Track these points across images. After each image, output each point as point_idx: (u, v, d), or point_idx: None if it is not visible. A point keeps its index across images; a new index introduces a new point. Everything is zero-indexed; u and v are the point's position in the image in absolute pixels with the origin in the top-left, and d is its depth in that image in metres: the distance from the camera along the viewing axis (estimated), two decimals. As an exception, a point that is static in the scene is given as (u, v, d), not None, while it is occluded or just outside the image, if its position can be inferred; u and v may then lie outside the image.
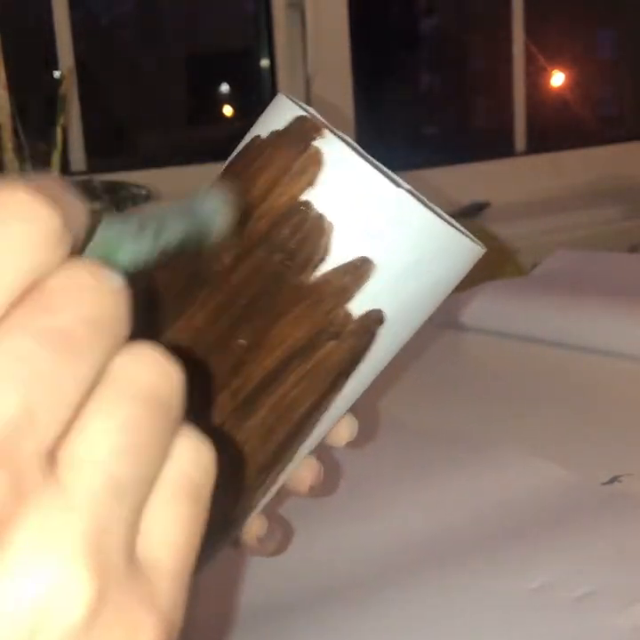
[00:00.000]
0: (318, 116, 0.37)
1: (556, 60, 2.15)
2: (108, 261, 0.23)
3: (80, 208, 0.22)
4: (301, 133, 0.35)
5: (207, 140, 1.83)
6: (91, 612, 0.19)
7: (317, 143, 0.35)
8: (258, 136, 0.37)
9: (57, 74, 1.68)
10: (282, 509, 0.56)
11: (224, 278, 0.35)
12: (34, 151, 0.75)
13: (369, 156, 0.37)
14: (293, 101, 0.37)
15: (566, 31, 2.20)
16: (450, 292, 0.40)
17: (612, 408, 0.73)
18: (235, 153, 0.38)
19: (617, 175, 2.08)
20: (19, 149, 0.73)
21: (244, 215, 0.35)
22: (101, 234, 0.24)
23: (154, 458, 0.21)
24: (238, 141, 0.40)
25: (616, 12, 2.30)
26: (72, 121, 1.56)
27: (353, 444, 0.44)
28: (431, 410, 0.74)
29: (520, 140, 2.08)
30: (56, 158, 0.76)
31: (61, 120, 0.75)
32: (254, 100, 1.83)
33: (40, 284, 0.20)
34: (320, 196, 0.35)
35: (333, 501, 0.58)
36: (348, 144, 0.36)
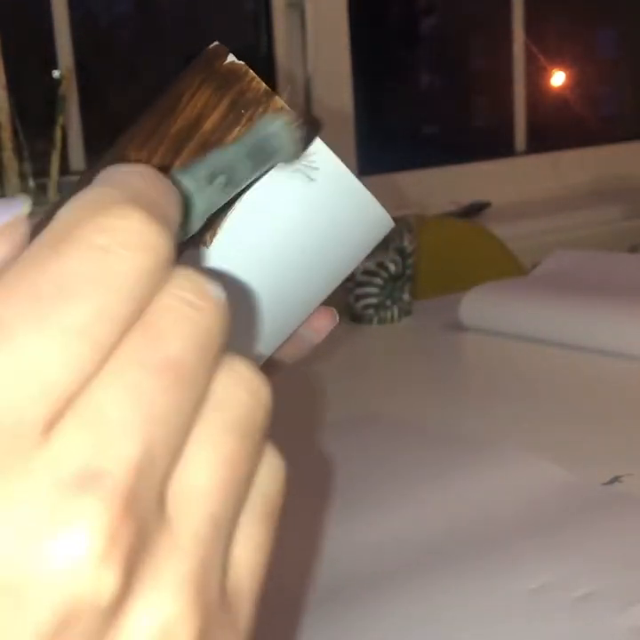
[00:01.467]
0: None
1: (556, 59, 2.15)
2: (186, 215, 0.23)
3: (174, 198, 0.22)
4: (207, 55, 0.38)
5: (207, 140, 1.83)
6: None
7: None
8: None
9: (56, 74, 1.68)
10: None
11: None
12: (33, 151, 0.75)
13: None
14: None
15: (566, 31, 2.20)
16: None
17: (612, 408, 0.73)
18: None
19: (617, 175, 2.09)
20: (18, 149, 0.73)
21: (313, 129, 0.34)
22: (181, 188, 0.24)
23: (245, 487, 0.21)
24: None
25: (616, 11, 2.30)
26: (71, 121, 1.56)
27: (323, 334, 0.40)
28: (431, 409, 0.74)
29: (520, 140, 2.08)
30: (55, 158, 0.76)
31: (61, 120, 0.75)
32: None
33: (148, 309, 0.20)
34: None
35: (333, 501, 0.58)
36: None
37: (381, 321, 0.97)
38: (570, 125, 2.19)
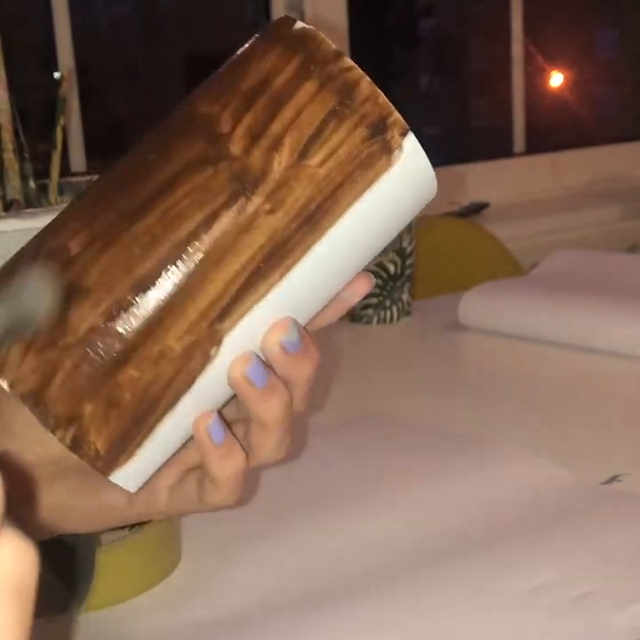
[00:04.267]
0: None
1: (555, 60, 2.15)
2: None
3: None
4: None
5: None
6: None
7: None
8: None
9: (57, 75, 1.68)
10: (282, 510, 0.57)
11: None
12: (34, 152, 0.75)
13: None
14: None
15: (565, 31, 2.20)
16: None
17: (611, 408, 0.73)
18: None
19: (615, 175, 2.09)
20: (19, 150, 0.73)
21: (66, 301, 0.35)
22: None
23: None
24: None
25: (615, 12, 2.30)
26: (72, 122, 1.56)
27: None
28: (430, 409, 0.74)
29: (519, 141, 2.09)
30: (56, 159, 0.76)
31: (61, 121, 0.75)
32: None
33: None
34: None
35: (333, 501, 0.58)
36: None
37: (381, 321, 0.97)
38: (568, 126, 2.19)
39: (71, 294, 0.35)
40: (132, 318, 0.35)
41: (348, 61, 0.37)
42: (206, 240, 0.36)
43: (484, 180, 1.91)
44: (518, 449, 0.63)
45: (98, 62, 1.76)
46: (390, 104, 0.38)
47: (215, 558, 0.52)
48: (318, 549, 0.52)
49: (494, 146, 2.09)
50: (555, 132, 2.20)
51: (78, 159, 1.63)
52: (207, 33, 1.88)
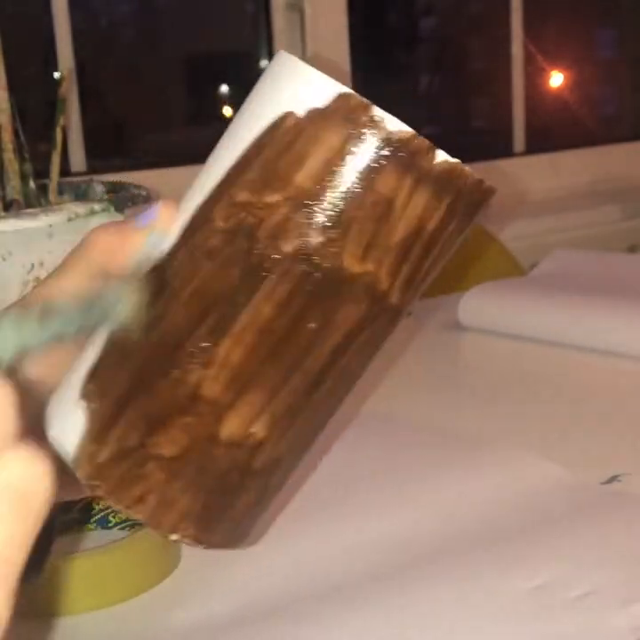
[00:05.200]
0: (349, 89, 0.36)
1: (555, 60, 2.15)
2: None
3: None
4: (348, 112, 0.34)
5: (207, 141, 1.83)
6: None
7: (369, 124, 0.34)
8: (291, 113, 0.34)
9: (57, 74, 1.68)
10: (281, 510, 0.57)
11: (289, 267, 0.34)
12: (34, 152, 0.75)
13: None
14: (318, 72, 0.36)
15: (565, 31, 2.20)
16: None
17: (611, 408, 0.73)
18: (253, 126, 0.35)
19: (616, 175, 2.09)
20: (19, 150, 0.73)
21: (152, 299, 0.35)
22: None
23: None
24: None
25: (616, 11, 2.30)
26: (72, 122, 1.56)
27: None
28: (431, 409, 0.74)
29: (519, 141, 2.08)
30: (56, 159, 0.76)
31: (61, 121, 0.75)
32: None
33: None
34: None
35: (333, 501, 0.58)
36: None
37: (381, 321, 0.97)
38: (569, 126, 2.19)
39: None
40: None
41: (487, 184, 0.37)
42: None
43: (484, 179, 1.91)
44: (518, 449, 0.63)
45: (98, 62, 1.76)
46: None
47: (215, 558, 0.52)
48: (318, 549, 0.52)
49: (494, 146, 2.09)
50: (555, 131, 2.20)
51: (78, 159, 1.63)
52: (207, 33, 1.88)
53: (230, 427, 0.35)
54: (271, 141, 0.34)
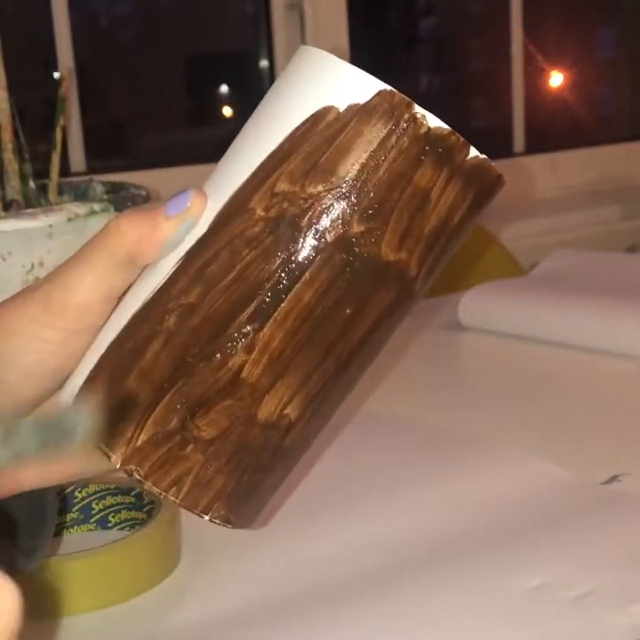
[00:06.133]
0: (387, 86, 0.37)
1: (555, 60, 2.15)
2: None
3: None
4: (390, 109, 0.36)
5: (207, 141, 1.83)
6: None
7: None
8: (332, 107, 0.35)
9: (56, 74, 1.68)
10: (281, 509, 0.57)
11: (330, 256, 0.36)
12: (34, 152, 0.75)
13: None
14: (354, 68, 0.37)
15: (565, 31, 2.20)
16: None
17: (611, 408, 0.73)
18: (289, 118, 0.36)
19: (615, 175, 2.09)
20: (19, 150, 0.73)
21: (113, 423, 0.35)
22: None
23: None
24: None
25: (615, 11, 2.30)
26: (72, 122, 1.56)
27: None
28: (431, 410, 0.74)
29: (519, 141, 2.08)
30: (56, 159, 0.76)
31: (61, 121, 0.75)
32: (253, 100, 1.83)
33: None
34: None
35: (332, 501, 0.58)
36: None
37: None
38: (569, 126, 2.19)
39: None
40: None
41: (504, 179, 0.38)
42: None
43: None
44: (518, 449, 0.63)
45: (98, 62, 1.76)
46: None
47: (215, 558, 0.52)
48: (318, 549, 0.52)
49: (494, 145, 2.09)
50: (555, 131, 2.20)
51: (78, 159, 1.63)
52: (207, 33, 1.88)
53: (267, 409, 0.36)
54: (312, 134, 0.35)
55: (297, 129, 0.36)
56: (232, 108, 1.90)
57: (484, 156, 0.37)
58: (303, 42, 1.77)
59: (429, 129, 0.36)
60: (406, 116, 0.36)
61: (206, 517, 0.36)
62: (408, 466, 0.62)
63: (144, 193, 0.72)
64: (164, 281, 0.36)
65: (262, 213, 0.35)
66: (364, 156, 0.35)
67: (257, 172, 0.36)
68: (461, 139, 0.36)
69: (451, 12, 2.19)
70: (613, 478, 0.59)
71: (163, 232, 0.36)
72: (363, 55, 1.82)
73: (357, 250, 0.35)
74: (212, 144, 1.79)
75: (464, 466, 0.61)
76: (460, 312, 0.93)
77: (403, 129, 0.36)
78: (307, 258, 0.35)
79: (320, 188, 0.35)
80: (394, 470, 0.62)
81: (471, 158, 0.36)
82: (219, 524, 0.37)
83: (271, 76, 1.80)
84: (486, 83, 2.19)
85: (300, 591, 0.48)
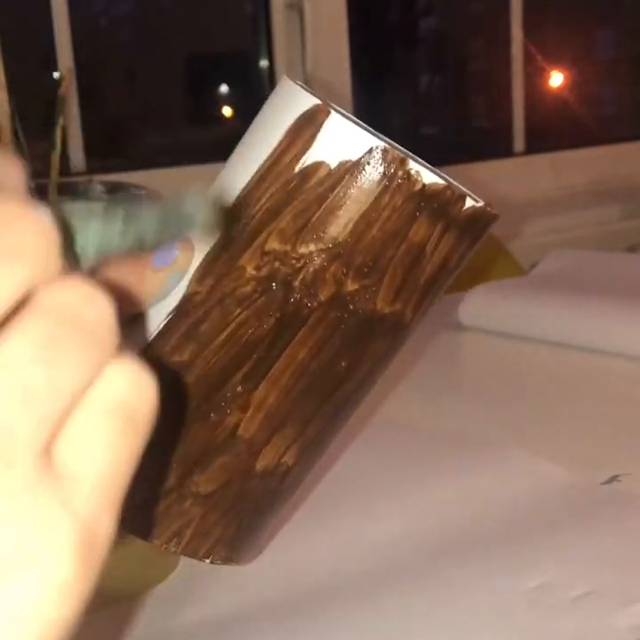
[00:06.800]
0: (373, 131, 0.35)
1: (555, 60, 2.15)
2: (71, 242, 0.24)
3: (14, 167, 0.23)
4: (383, 166, 0.34)
5: (207, 141, 1.83)
6: None
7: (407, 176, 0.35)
8: (323, 163, 0.34)
9: (56, 74, 1.68)
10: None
11: (324, 314, 0.35)
12: (33, 151, 0.75)
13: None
14: (349, 118, 0.36)
15: (565, 31, 2.20)
16: None
17: (611, 408, 0.73)
18: (283, 175, 0.35)
19: (615, 175, 2.09)
20: (18, 150, 0.73)
21: (231, 215, 0.35)
22: (65, 216, 0.24)
23: (73, 374, 0.21)
24: (238, 141, 0.39)
25: (615, 11, 2.30)
26: (72, 122, 1.56)
27: None
28: (431, 410, 0.74)
29: (519, 140, 2.09)
30: (55, 159, 0.76)
31: (61, 121, 0.75)
32: (253, 100, 1.83)
33: (30, 298, 0.21)
34: None
35: (332, 501, 0.58)
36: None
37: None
38: (568, 126, 2.19)
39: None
40: None
41: (496, 215, 0.38)
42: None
43: (484, 179, 1.91)
44: (518, 449, 0.63)
45: (97, 62, 1.76)
46: None
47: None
48: (319, 550, 0.52)
49: (494, 145, 2.09)
50: (555, 131, 2.20)
51: (78, 159, 1.63)
52: (207, 33, 1.88)
53: (265, 461, 0.36)
54: (302, 191, 0.35)
55: (286, 183, 0.35)
56: (232, 107, 1.90)
57: (480, 204, 0.36)
58: (303, 42, 1.77)
59: (424, 186, 0.35)
60: (400, 173, 0.34)
61: (207, 561, 0.36)
62: (407, 466, 0.62)
63: (144, 193, 0.72)
64: (154, 335, 0.36)
65: (253, 272, 0.35)
66: (357, 215, 0.34)
67: (248, 228, 0.35)
68: (457, 191, 0.35)
69: (451, 11, 2.19)
70: (613, 478, 0.59)
71: (151, 285, 0.35)
72: (363, 55, 1.82)
73: (352, 307, 0.35)
74: (211, 144, 1.79)
75: (464, 466, 0.61)
76: (460, 312, 0.93)
77: (396, 186, 0.34)
78: (300, 317, 0.35)
79: (312, 247, 0.34)
80: (393, 470, 0.62)
81: (467, 209, 0.35)
82: (220, 564, 0.37)
83: (271, 75, 1.80)
84: (486, 83, 2.19)
85: (301, 591, 0.48)
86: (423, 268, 0.35)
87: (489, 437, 0.66)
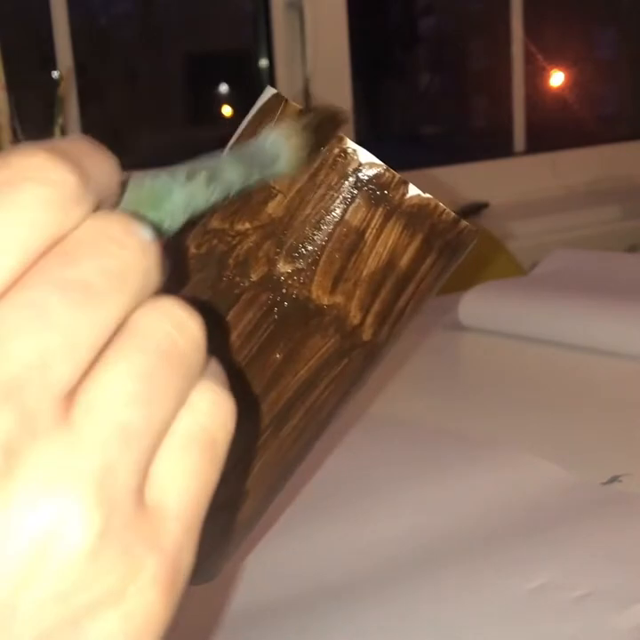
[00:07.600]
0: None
1: (555, 59, 2.15)
2: (155, 210, 0.24)
3: (108, 163, 0.23)
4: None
5: (206, 140, 1.83)
6: (93, 545, 0.19)
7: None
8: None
9: (55, 74, 1.68)
10: (281, 511, 0.57)
11: (255, 295, 0.34)
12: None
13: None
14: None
15: (565, 31, 2.20)
16: None
17: (611, 408, 0.73)
18: None
19: (615, 175, 2.09)
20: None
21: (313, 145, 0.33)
22: (149, 185, 0.24)
23: (167, 408, 0.21)
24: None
25: (616, 11, 2.30)
26: (71, 121, 1.56)
27: None
28: (430, 410, 0.74)
29: (519, 140, 2.08)
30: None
31: (60, 120, 0.75)
32: (253, 100, 1.83)
33: (64, 239, 0.20)
34: None
35: (332, 502, 0.58)
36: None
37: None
38: (569, 125, 2.19)
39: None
40: None
41: (464, 223, 0.35)
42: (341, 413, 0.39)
43: (484, 179, 1.91)
44: (518, 449, 0.63)
45: (97, 62, 1.76)
46: None
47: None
48: (318, 550, 0.52)
49: (494, 145, 2.09)
50: (555, 131, 2.20)
51: (78, 159, 1.62)
52: (207, 32, 1.88)
53: None
54: None
55: None
56: (231, 107, 1.90)
57: (427, 196, 0.35)
58: (303, 42, 1.77)
59: (360, 164, 0.34)
60: (336, 150, 0.34)
61: None
62: (407, 466, 0.62)
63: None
64: None
65: (194, 251, 0.35)
66: (292, 191, 0.34)
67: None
68: (397, 176, 0.34)
69: (451, 11, 2.19)
70: (614, 478, 0.59)
71: None
72: (363, 55, 1.82)
73: (285, 291, 0.34)
74: (211, 144, 1.79)
75: (464, 466, 0.61)
76: (460, 312, 0.93)
77: (332, 162, 0.34)
78: (231, 295, 0.34)
79: (247, 225, 0.34)
80: (393, 470, 0.62)
81: (411, 197, 0.34)
82: None
83: (271, 75, 1.80)
84: (486, 82, 2.19)
85: (301, 591, 0.48)
86: (364, 258, 0.34)
87: (489, 437, 0.66)
